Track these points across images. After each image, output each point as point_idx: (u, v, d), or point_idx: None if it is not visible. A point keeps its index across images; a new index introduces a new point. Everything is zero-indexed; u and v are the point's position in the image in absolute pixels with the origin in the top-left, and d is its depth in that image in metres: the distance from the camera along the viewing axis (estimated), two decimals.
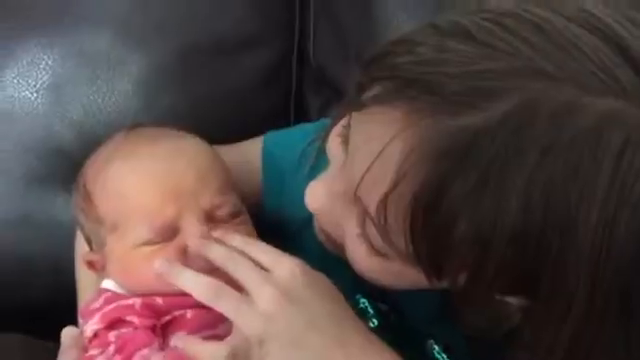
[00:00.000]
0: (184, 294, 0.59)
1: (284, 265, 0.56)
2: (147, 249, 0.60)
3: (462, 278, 0.48)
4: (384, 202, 0.47)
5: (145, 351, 0.56)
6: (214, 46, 0.92)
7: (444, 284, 0.50)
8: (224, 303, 0.54)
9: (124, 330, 0.59)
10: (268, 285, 0.54)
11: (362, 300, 0.64)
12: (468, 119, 0.43)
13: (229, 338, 0.54)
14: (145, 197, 0.61)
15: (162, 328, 0.59)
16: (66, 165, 0.87)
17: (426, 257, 0.47)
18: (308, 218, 0.62)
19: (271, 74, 0.95)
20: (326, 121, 0.75)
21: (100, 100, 0.89)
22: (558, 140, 0.43)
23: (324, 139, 0.58)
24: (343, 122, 0.54)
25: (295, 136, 0.75)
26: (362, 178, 0.49)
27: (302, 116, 0.98)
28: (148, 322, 0.59)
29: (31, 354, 0.81)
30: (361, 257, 0.54)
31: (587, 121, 0.43)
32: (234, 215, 0.64)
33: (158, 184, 0.61)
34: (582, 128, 0.43)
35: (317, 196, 0.56)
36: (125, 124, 0.87)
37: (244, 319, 0.54)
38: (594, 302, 0.44)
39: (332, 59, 0.97)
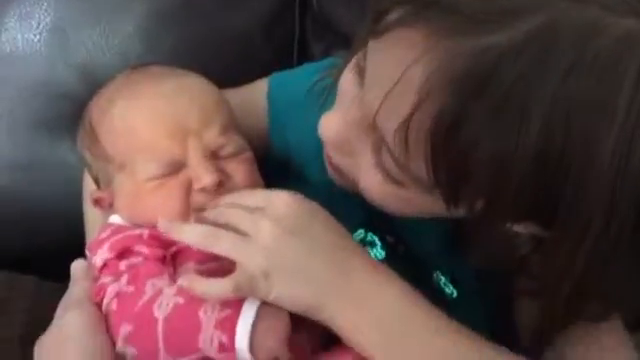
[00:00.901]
0: None
1: (276, 199, 0.57)
2: (154, 183, 0.62)
3: (480, 203, 0.48)
4: (405, 127, 0.47)
5: (155, 280, 0.57)
6: None
7: (460, 211, 0.50)
8: (223, 245, 0.56)
9: (134, 260, 0.60)
10: (263, 220, 0.56)
11: (369, 233, 0.65)
12: (491, 39, 0.43)
13: (234, 274, 0.55)
14: (151, 135, 0.62)
15: (171, 258, 0.61)
16: (70, 108, 0.87)
17: (446, 182, 0.48)
18: (315, 154, 0.63)
19: (273, 18, 0.95)
20: (331, 60, 0.76)
21: (103, 42, 0.88)
22: (581, 60, 0.43)
23: (337, 74, 0.59)
24: (358, 56, 0.54)
25: (300, 75, 0.76)
26: (381, 104, 0.49)
27: (305, 61, 0.96)
28: (158, 252, 0.60)
29: (44, 294, 0.82)
30: (375, 186, 0.55)
31: (609, 41, 0.43)
32: (237, 153, 0.65)
33: (163, 122, 0.62)
34: (604, 49, 0.43)
35: (331, 125, 0.57)
36: (128, 67, 0.88)
37: (246, 256, 0.55)
38: (609, 227, 0.45)
39: (335, 3, 0.96)
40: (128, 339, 0.56)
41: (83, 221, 0.77)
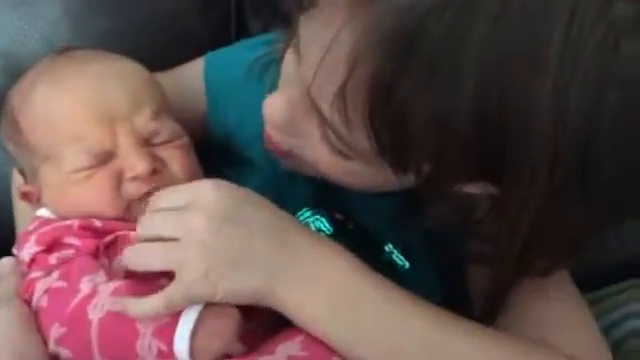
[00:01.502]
0: (121, 218, 0.59)
1: (201, 191, 0.54)
2: (83, 174, 0.59)
3: (426, 167, 0.47)
4: (341, 96, 0.46)
5: (91, 276, 0.54)
6: None
7: (409, 179, 0.49)
8: (155, 260, 0.53)
9: (65, 252, 0.57)
10: (191, 216, 0.53)
11: (314, 210, 0.63)
12: None
13: (166, 289, 0.52)
14: (76, 123, 0.59)
15: (105, 249, 0.57)
16: None
17: (390, 148, 0.47)
18: (256, 133, 0.61)
19: None
20: (268, 36, 0.74)
21: (26, 27, 0.83)
22: (508, 7, 0.42)
23: (280, 56, 0.57)
24: (297, 37, 0.52)
25: (237, 53, 0.74)
26: (315, 76, 0.48)
27: (244, 38, 0.93)
28: (90, 243, 0.57)
29: None
30: (324, 161, 0.54)
31: None
32: (172, 139, 0.62)
33: (90, 110, 0.59)
34: None
35: (276, 107, 0.55)
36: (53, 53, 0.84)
37: (181, 263, 0.52)
38: (554, 175, 0.45)
39: None
40: (60, 341, 0.53)
41: (11, 217, 0.72)
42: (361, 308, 0.53)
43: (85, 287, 0.53)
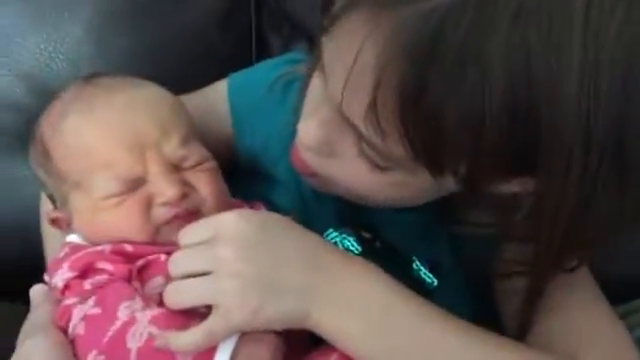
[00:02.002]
0: (152, 243, 0.59)
1: (225, 222, 0.55)
2: (113, 200, 0.59)
3: (462, 167, 0.48)
4: (372, 108, 0.46)
5: (128, 303, 0.55)
6: None
7: (448, 183, 0.50)
8: (191, 295, 0.53)
9: (99, 278, 0.57)
10: (219, 248, 0.53)
11: (340, 230, 0.64)
12: (432, 1, 0.43)
13: (205, 322, 0.52)
14: (107, 151, 0.59)
15: (137, 273, 0.58)
16: (20, 119, 0.83)
17: (424, 152, 0.47)
18: (281, 152, 0.61)
19: (229, 13, 0.92)
20: (290, 55, 0.76)
21: (51, 48, 0.84)
22: (524, 3, 0.43)
23: (305, 81, 0.58)
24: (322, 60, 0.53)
25: (259, 74, 0.74)
26: (343, 92, 0.48)
27: (264, 54, 0.95)
28: (123, 268, 0.57)
29: (1, 317, 0.78)
30: (362, 178, 0.54)
31: None
32: (200, 163, 0.62)
33: (119, 137, 0.60)
34: None
35: (309, 131, 0.55)
36: (79, 72, 0.85)
37: (216, 295, 0.52)
38: (590, 162, 0.45)
39: None
40: None
41: (38, 237, 0.73)
42: (394, 325, 0.53)
43: (123, 314, 0.54)
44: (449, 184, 0.50)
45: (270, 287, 0.52)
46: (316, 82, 0.56)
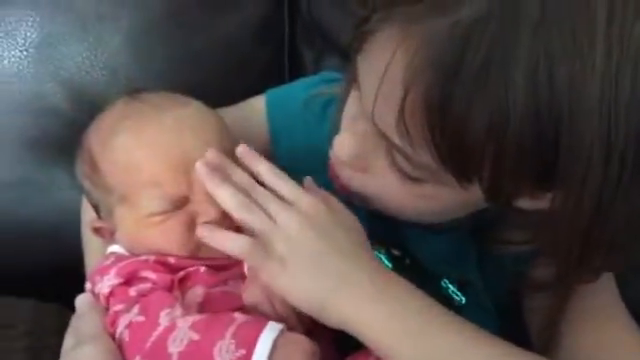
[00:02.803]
0: (193, 256, 0.61)
1: (306, 200, 0.58)
2: (158, 218, 0.61)
3: (487, 175, 0.49)
4: (401, 117, 0.49)
5: (168, 310, 0.57)
6: None
7: (474, 192, 0.51)
8: (254, 219, 0.56)
9: (143, 286, 0.59)
10: (292, 212, 0.56)
11: (371, 246, 0.63)
12: (457, 14, 0.45)
13: (254, 238, 0.56)
14: (156, 170, 0.61)
15: (179, 283, 0.60)
16: (60, 124, 0.86)
17: (450, 159, 0.49)
18: (317, 168, 0.63)
19: (264, 25, 0.94)
20: (324, 75, 0.78)
21: (92, 56, 0.87)
22: (546, 11, 0.44)
23: (342, 101, 0.60)
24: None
25: (297, 89, 0.76)
26: (375, 102, 0.51)
27: (297, 68, 0.98)
28: (165, 277, 0.59)
29: (43, 317, 0.81)
30: (394, 190, 0.56)
31: None
32: None
33: (167, 156, 0.61)
34: None
35: (344, 145, 0.57)
36: (117, 80, 0.87)
37: (270, 235, 0.56)
38: (610, 166, 0.46)
39: (323, 9, 0.96)
40: None
41: (72, 241, 0.76)
42: (428, 334, 0.54)
43: (164, 321, 0.55)
44: (476, 198, 0.52)
45: (307, 267, 0.55)
46: (352, 98, 0.58)
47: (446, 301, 0.62)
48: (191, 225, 0.61)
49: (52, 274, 0.83)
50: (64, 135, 0.85)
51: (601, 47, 0.44)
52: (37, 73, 0.87)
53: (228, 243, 0.56)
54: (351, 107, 0.58)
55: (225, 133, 0.66)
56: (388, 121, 0.50)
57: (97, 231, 0.67)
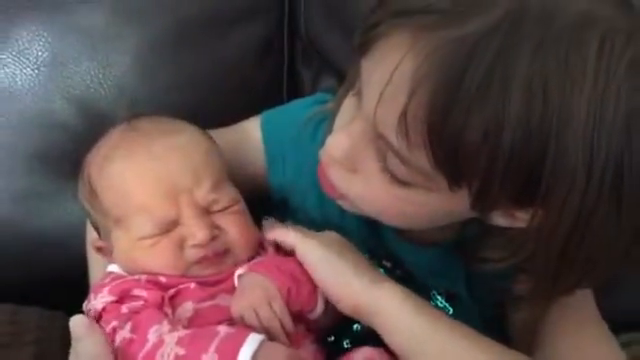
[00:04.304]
0: (184, 276, 0.65)
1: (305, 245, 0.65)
2: (149, 241, 0.65)
3: (477, 182, 0.53)
4: (403, 118, 0.51)
5: (157, 327, 0.60)
6: (207, 20, 0.94)
7: (462, 199, 0.54)
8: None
9: (135, 304, 0.62)
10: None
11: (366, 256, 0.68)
12: (466, 28, 0.49)
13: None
14: (145, 196, 0.65)
15: (169, 300, 0.63)
16: (69, 139, 0.89)
17: (445, 162, 0.52)
18: (310, 186, 0.67)
19: (264, 47, 0.98)
20: (318, 96, 0.80)
21: (101, 75, 0.90)
22: (546, 36, 0.49)
23: (336, 102, 0.63)
24: (358, 82, 0.58)
25: (291, 112, 0.79)
26: (378, 103, 0.53)
27: (295, 87, 1.01)
28: (156, 295, 0.63)
29: (49, 325, 0.83)
30: (382, 193, 0.59)
31: (571, 18, 0.49)
32: (229, 206, 0.68)
33: (158, 185, 0.65)
34: (566, 26, 0.49)
35: (338, 143, 0.60)
36: (124, 98, 0.91)
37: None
38: (591, 182, 0.50)
39: (322, 31, 0.99)
40: None
41: (79, 252, 0.79)
42: (444, 340, 0.60)
43: (152, 337, 0.59)
44: (460, 207, 0.55)
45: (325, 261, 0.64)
46: (348, 102, 0.61)
47: None
48: (181, 247, 0.65)
49: (59, 284, 0.86)
50: (73, 149, 0.87)
51: (590, 74, 0.48)
52: (47, 90, 0.90)
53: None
54: (346, 110, 0.61)
55: (216, 158, 0.69)
56: (389, 122, 0.53)
57: (99, 250, 0.70)
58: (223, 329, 0.58)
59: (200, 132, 0.71)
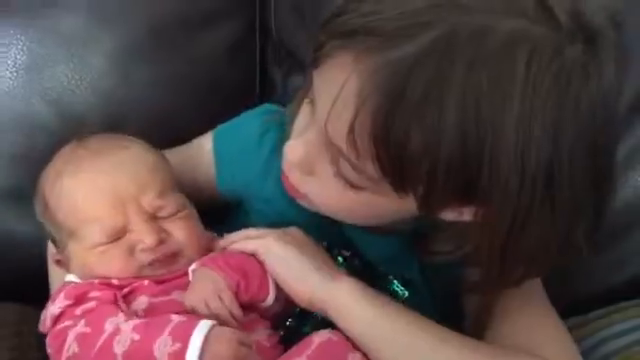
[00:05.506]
0: (137, 277, 0.69)
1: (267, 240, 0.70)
2: (101, 249, 0.70)
3: (421, 189, 0.57)
4: (351, 132, 0.56)
5: (113, 318, 0.64)
6: (180, 22, 0.97)
7: (409, 203, 0.59)
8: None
9: (89, 305, 0.67)
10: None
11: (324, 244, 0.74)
12: (404, 50, 0.53)
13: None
14: (94, 208, 0.70)
15: (123, 297, 0.68)
16: (49, 140, 0.90)
17: (391, 172, 0.56)
18: (262, 186, 0.74)
19: (237, 47, 1.00)
20: (266, 107, 0.86)
21: (77, 77, 0.93)
22: (478, 56, 0.52)
23: (295, 108, 0.68)
24: (311, 92, 0.62)
25: (240, 123, 0.83)
26: (328, 116, 0.57)
27: (267, 86, 1.04)
28: (109, 293, 0.67)
29: (27, 319, 0.85)
30: (336, 195, 0.63)
31: (499, 38, 0.53)
32: (176, 212, 0.73)
33: (104, 196, 0.70)
34: (496, 45, 0.53)
35: (295, 149, 0.65)
36: (100, 99, 0.93)
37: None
38: (523, 185, 0.54)
39: (292, 31, 1.03)
40: None
41: None
42: (389, 313, 0.66)
43: (109, 327, 0.63)
44: (408, 207, 0.60)
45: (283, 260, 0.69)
46: (304, 108, 0.65)
47: (393, 295, 0.72)
48: (131, 252, 0.69)
49: (37, 281, 0.86)
50: (52, 150, 0.86)
51: (518, 90, 0.52)
52: (26, 93, 0.92)
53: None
54: (303, 117, 0.65)
55: (161, 170, 0.74)
56: (338, 135, 0.58)
57: (58, 263, 0.75)
58: (176, 317, 0.63)
59: (146, 147, 0.76)
